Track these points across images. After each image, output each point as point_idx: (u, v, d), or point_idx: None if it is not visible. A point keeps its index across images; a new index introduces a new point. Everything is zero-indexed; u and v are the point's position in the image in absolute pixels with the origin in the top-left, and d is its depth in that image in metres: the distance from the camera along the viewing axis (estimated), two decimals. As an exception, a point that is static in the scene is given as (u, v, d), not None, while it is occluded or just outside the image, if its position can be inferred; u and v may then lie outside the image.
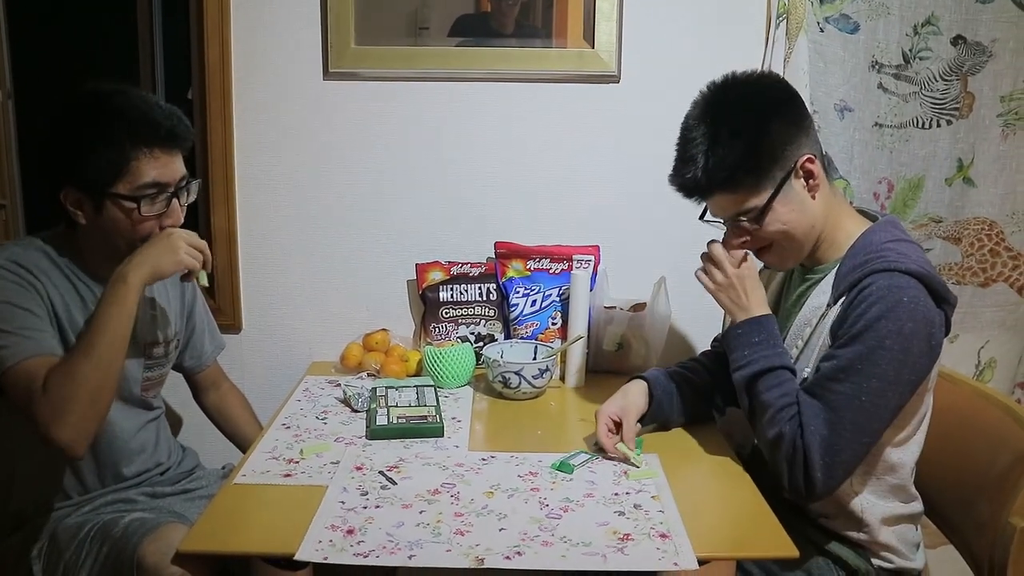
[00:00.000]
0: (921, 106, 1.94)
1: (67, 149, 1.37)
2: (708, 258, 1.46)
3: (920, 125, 1.95)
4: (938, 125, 1.95)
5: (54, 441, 1.30)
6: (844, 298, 1.32)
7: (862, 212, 1.47)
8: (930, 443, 1.54)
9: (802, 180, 1.36)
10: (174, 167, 1.42)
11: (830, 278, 1.38)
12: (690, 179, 1.37)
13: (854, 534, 1.39)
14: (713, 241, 1.46)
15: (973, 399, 1.50)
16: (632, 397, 1.53)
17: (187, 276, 1.45)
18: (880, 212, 1.47)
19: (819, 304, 1.38)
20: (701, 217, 1.48)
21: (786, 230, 1.37)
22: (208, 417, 1.85)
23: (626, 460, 1.44)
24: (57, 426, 1.29)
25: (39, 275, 1.39)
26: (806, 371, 1.37)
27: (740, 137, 1.33)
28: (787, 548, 1.17)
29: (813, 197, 1.38)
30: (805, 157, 1.35)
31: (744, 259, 1.44)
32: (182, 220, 1.45)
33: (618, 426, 1.49)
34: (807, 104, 1.83)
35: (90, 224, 1.40)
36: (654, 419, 1.57)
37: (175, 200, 1.42)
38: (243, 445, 1.77)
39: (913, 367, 1.28)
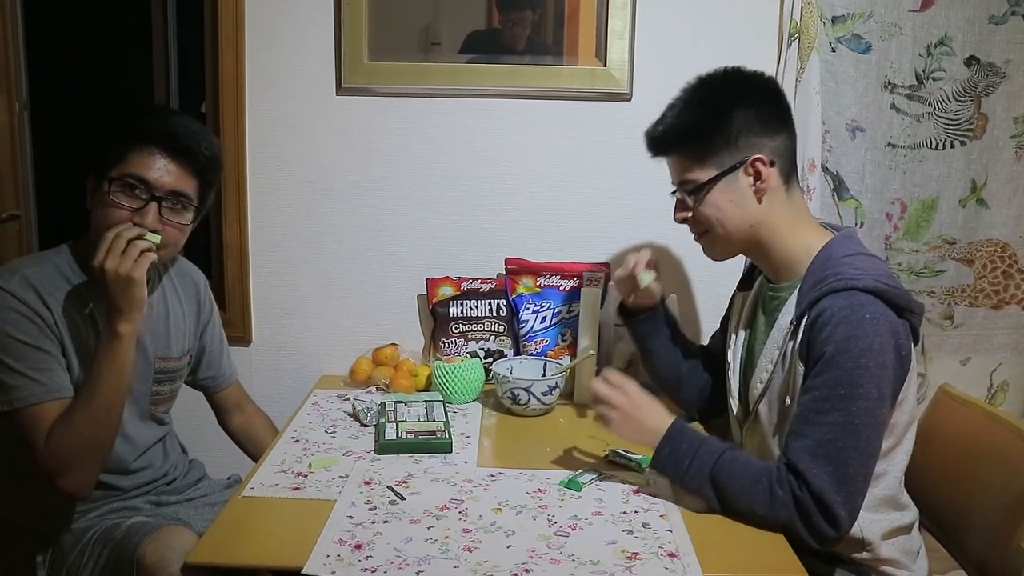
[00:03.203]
0: (935, 127, 1.94)
1: (96, 139, 1.43)
2: (597, 400, 1.41)
3: (934, 146, 1.94)
4: (952, 146, 1.94)
5: (59, 490, 1.36)
6: (806, 317, 1.32)
7: (825, 225, 1.47)
8: (941, 466, 1.53)
9: (750, 178, 1.39)
10: (168, 174, 1.41)
11: (794, 296, 1.38)
12: (652, 132, 1.47)
13: (857, 555, 1.38)
14: (597, 378, 1.44)
15: (985, 422, 1.49)
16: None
17: (158, 250, 1.38)
18: (839, 225, 1.49)
19: (784, 324, 1.38)
20: (672, 193, 1.52)
21: (720, 218, 1.42)
22: (234, 440, 1.82)
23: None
24: (62, 478, 1.35)
25: (48, 298, 1.38)
26: (787, 399, 1.36)
27: (704, 109, 1.41)
28: (797, 571, 1.16)
29: (759, 200, 1.40)
30: (757, 156, 1.38)
31: (620, 385, 1.40)
32: (157, 229, 1.39)
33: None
34: (818, 123, 1.84)
35: (91, 212, 1.43)
36: (652, 323, 1.72)
37: (154, 204, 1.39)
38: None
39: (890, 380, 1.28)
